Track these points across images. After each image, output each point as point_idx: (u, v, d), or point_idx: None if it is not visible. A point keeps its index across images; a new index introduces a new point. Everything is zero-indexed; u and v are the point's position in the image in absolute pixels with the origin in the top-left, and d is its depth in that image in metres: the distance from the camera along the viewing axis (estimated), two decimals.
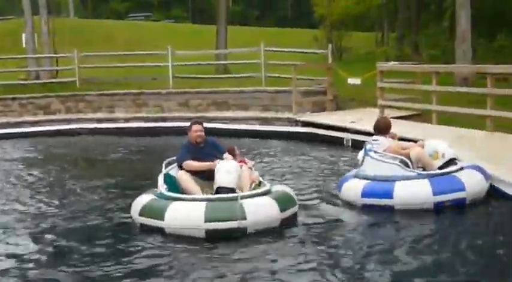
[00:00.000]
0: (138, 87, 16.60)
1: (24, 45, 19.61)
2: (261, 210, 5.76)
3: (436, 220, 6.21)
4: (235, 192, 5.88)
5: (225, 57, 20.72)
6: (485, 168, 6.86)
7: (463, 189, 6.35)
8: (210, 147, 6.72)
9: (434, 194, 6.30)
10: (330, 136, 11.91)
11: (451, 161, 6.85)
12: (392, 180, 6.52)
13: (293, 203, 6.18)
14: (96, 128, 14.71)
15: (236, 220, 5.58)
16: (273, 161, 10.07)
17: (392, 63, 15.96)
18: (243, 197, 5.77)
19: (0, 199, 7.76)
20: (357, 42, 27.11)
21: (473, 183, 6.47)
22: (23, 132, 14.40)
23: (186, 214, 5.65)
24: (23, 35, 19.58)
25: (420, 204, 6.33)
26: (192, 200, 5.84)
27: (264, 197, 5.93)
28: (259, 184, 6.39)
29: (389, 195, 6.42)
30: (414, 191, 6.36)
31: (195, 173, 6.34)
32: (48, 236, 6.00)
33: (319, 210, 6.71)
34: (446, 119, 11.67)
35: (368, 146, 7.05)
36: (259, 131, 13.34)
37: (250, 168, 6.59)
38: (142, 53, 20.52)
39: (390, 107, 13.08)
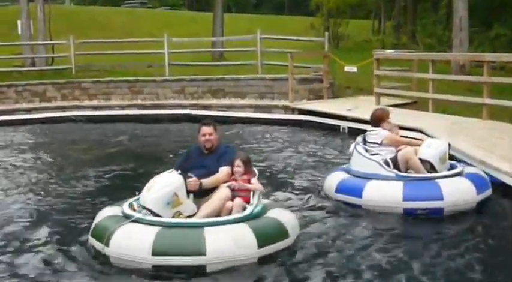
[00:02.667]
0: (134, 75, 16.55)
1: (20, 32, 19.48)
2: (127, 243, 4.48)
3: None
4: (157, 216, 4.64)
5: (221, 45, 20.65)
6: (488, 176, 6.36)
7: (439, 198, 5.80)
8: (217, 157, 5.37)
9: (405, 199, 5.83)
10: (327, 124, 11.93)
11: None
12: (366, 178, 6.17)
13: (193, 250, 4.35)
14: (91, 115, 14.67)
15: (102, 243, 4.64)
16: (266, 150, 10.07)
17: (388, 51, 15.94)
18: (139, 221, 4.60)
19: None
20: (353, 30, 27.02)
21: (456, 193, 5.85)
22: (18, 119, 14.35)
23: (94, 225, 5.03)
24: (19, 22, 19.44)
25: (388, 208, 5.90)
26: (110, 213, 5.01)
27: (149, 227, 4.52)
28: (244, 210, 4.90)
29: (358, 193, 6.09)
30: (383, 193, 5.94)
31: None
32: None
33: (300, 206, 6.28)
34: (443, 107, 11.70)
35: (358, 139, 6.70)
36: (255, 118, 13.33)
37: (234, 190, 5.04)
38: (139, 40, 20.44)
39: (386, 94, 13.11)
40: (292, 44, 17.35)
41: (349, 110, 11.87)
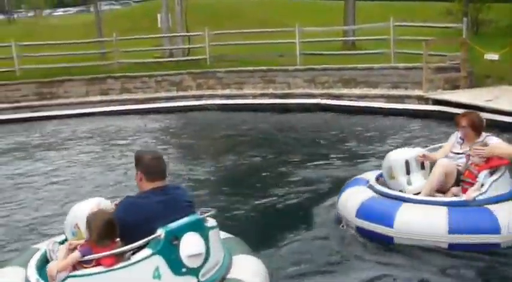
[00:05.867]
0: (266, 64, 16.85)
1: (159, 25, 20.58)
2: None
3: None
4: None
5: (352, 33, 20.37)
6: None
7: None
8: None
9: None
10: None
11: None
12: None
13: None
14: (225, 104, 15.16)
15: None
16: (391, 142, 9.82)
17: None
18: None
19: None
20: (497, 15, 25.37)
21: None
22: (158, 108, 15.22)
23: None
24: (159, 15, 20.55)
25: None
26: None
27: None
28: None
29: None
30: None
31: None
32: None
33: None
34: None
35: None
36: (385, 108, 13.03)
37: None
38: (271, 30, 20.75)
39: None
40: (426, 31, 16.68)
41: (489, 100, 11.21)
